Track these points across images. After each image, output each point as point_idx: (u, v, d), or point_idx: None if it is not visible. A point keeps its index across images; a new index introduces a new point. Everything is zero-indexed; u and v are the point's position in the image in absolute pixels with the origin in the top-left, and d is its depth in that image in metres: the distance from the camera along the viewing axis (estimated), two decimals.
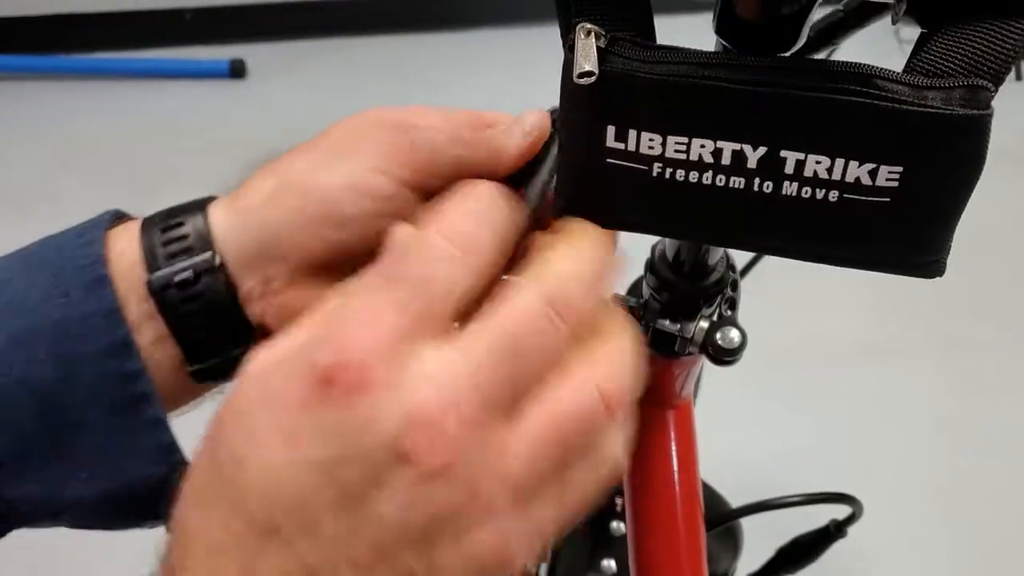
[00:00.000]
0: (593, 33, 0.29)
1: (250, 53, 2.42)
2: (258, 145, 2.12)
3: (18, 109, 2.26)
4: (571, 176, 0.32)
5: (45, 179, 1.99)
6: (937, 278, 0.35)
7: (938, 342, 1.58)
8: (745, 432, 1.34)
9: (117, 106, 2.27)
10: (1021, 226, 1.87)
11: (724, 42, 0.33)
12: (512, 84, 2.29)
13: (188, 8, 2.50)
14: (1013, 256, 1.78)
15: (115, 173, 2.00)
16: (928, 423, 1.43)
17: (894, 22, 0.32)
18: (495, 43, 2.54)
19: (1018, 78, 2.37)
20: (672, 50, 0.30)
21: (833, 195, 0.30)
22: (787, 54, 0.33)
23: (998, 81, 0.29)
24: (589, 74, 0.28)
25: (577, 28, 0.29)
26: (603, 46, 0.29)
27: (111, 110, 2.25)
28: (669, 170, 0.30)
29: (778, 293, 1.40)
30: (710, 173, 0.30)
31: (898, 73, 0.29)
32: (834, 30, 0.37)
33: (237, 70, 2.34)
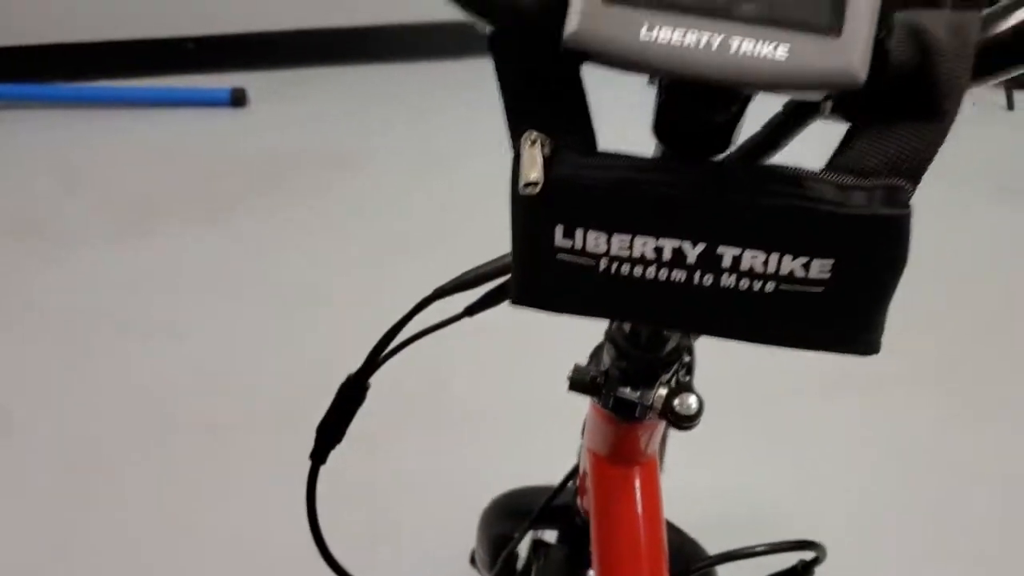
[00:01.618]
0: (538, 142, 0.31)
1: (251, 81, 2.45)
2: (259, 172, 2.16)
3: (23, 137, 2.29)
4: (524, 269, 0.34)
5: (49, 207, 2.02)
6: (873, 355, 0.37)
7: (911, 376, 1.59)
8: (719, 467, 1.36)
9: (120, 134, 2.30)
10: (1002, 256, 1.89)
11: (662, 145, 0.35)
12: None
13: (190, 37, 2.54)
14: (1005, 291, 1.80)
15: (118, 200, 2.03)
16: (898, 457, 1.44)
17: (822, 118, 0.35)
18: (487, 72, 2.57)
19: (1009, 107, 2.40)
20: (613, 156, 0.32)
21: (770, 286, 0.32)
22: (722, 156, 0.35)
23: (916, 179, 0.31)
24: (534, 184, 0.31)
25: (523, 138, 0.32)
26: (548, 154, 0.32)
27: (114, 138, 2.29)
28: (615, 265, 0.33)
29: None
30: (653, 268, 0.33)
31: (825, 173, 0.32)
32: (778, 132, 0.40)
33: (238, 98, 2.38)
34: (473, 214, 1.80)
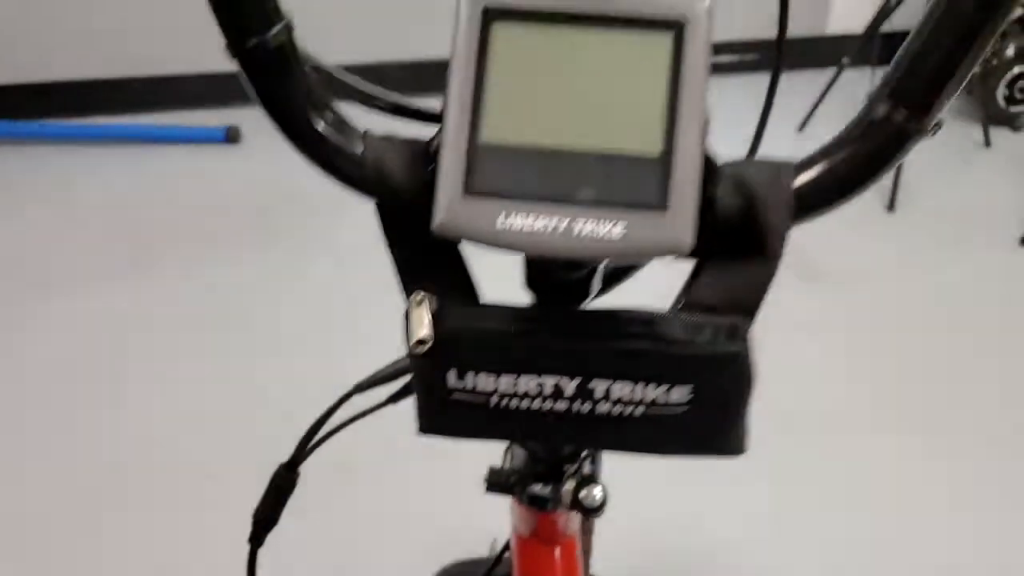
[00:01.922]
0: (425, 301, 0.36)
1: (245, 118, 2.51)
2: (253, 208, 2.21)
3: (20, 174, 2.35)
4: (425, 406, 0.40)
5: (47, 244, 2.07)
6: (741, 456, 0.42)
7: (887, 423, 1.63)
8: (676, 502, 1.40)
9: (115, 171, 2.36)
10: (971, 293, 1.93)
11: (533, 295, 0.40)
12: None
13: (185, 75, 2.60)
14: (972, 325, 1.84)
15: (115, 236, 2.08)
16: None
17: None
18: None
19: (987, 144, 2.44)
20: (493, 308, 0.38)
21: (639, 410, 0.38)
22: (587, 302, 0.40)
23: (751, 314, 0.37)
24: (422, 342, 0.36)
25: (410, 298, 0.37)
26: (435, 310, 0.37)
27: (110, 175, 2.34)
28: (504, 400, 0.38)
29: None
30: (538, 400, 0.38)
31: (674, 313, 0.37)
32: (622, 272, 0.45)
33: (232, 136, 2.44)
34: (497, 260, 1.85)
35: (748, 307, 0.38)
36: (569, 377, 0.37)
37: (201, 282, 1.91)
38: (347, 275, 1.94)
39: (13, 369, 1.69)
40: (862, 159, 0.36)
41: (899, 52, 0.35)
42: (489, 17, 0.33)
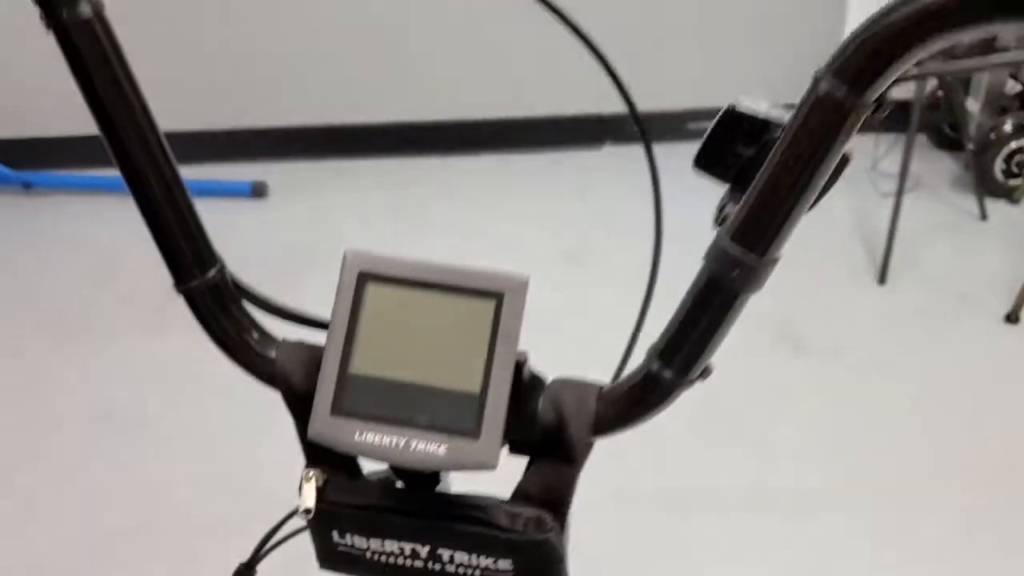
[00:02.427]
0: (313, 478, 0.49)
1: (272, 173, 2.64)
2: (275, 263, 2.32)
3: (51, 224, 2.49)
4: (320, 551, 0.52)
5: (78, 298, 2.21)
6: None
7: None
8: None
9: (141, 222, 2.48)
10: (976, 371, 2.00)
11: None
12: (508, 206, 2.49)
13: (214, 130, 2.74)
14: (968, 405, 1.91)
15: (141, 289, 2.21)
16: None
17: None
18: (497, 165, 2.75)
19: (983, 217, 2.51)
20: (367, 483, 0.50)
21: (477, 573, 0.50)
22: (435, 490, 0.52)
23: (557, 511, 0.49)
24: (308, 511, 0.48)
25: (301, 474, 0.49)
26: (320, 485, 0.49)
27: (134, 226, 2.45)
28: (376, 556, 0.51)
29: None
30: (401, 559, 0.51)
31: (503, 503, 0.50)
32: None
33: (259, 191, 2.57)
34: None
35: (559, 502, 0.50)
36: (422, 544, 0.49)
37: None
38: None
39: (43, 412, 1.82)
40: (639, 400, 0.48)
41: (670, 319, 0.46)
42: (363, 279, 0.46)
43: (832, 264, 2.28)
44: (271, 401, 0.53)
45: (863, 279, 2.24)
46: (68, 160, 2.69)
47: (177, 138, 2.34)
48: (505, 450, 0.48)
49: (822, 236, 2.30)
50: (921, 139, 2.78)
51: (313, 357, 0.49)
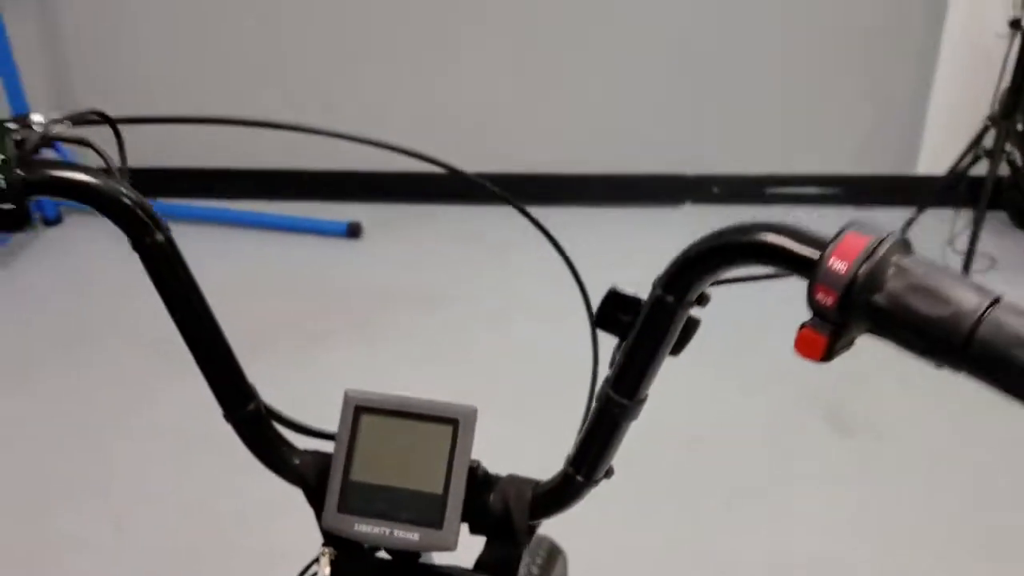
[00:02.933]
0: (326, 556, 0.66)
1: (368, 214, 2.81)
2: (367, 303, 2.46)
3: None
4: None
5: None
6: None
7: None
8: None
9: (247, 254, 2.65)
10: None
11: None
12: (585, 255, 2.57)
13: (312, 171, 2.93)
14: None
15: (237, 322, 2.35)
16: None
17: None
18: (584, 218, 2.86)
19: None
20: (367, 559, 0.67)
21: None
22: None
23: None
24: None
25: (319, 554, 0.66)
26: (333, 559, 0.66)
27: (242, 257, 2.63)
28: None
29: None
30: None
31: (467, 571, 0.66)
32: None
33: (354, 231, 2.73)
34: (548, 374, 2.05)
35: (509, 570, 0.66)
36: None
37: (309, 371, 2.16)
38: (447, 375, 2.15)
39: (134, 444, 1.98)
40: (561, 496, 0.64)
41: (578, 436, 0.63)
42: (358, 411, 0.65)
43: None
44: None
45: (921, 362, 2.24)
46: (189, 191, 2.91)
47: (280, 176, 2.57)
48: (468, 530, 0.65)
49: None
50: (1002, 216, 2.80)
51: (324, 464, 0.66)
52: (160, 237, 0.62)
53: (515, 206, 0.84)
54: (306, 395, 2.04)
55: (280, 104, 2.83)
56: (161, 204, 2.77)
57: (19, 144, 0.58)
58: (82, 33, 2.77)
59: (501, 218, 2.89)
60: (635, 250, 2.67)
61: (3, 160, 0.55)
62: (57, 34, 2.76)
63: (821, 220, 0.50)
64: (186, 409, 1.68)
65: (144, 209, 0.61)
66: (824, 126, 2.88)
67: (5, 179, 0.55)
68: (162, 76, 2.83)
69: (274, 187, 2.94)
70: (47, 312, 2.46)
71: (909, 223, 2.52)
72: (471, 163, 2.99)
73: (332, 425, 0.67)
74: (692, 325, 0.56)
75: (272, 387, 2.21)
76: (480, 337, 2.33)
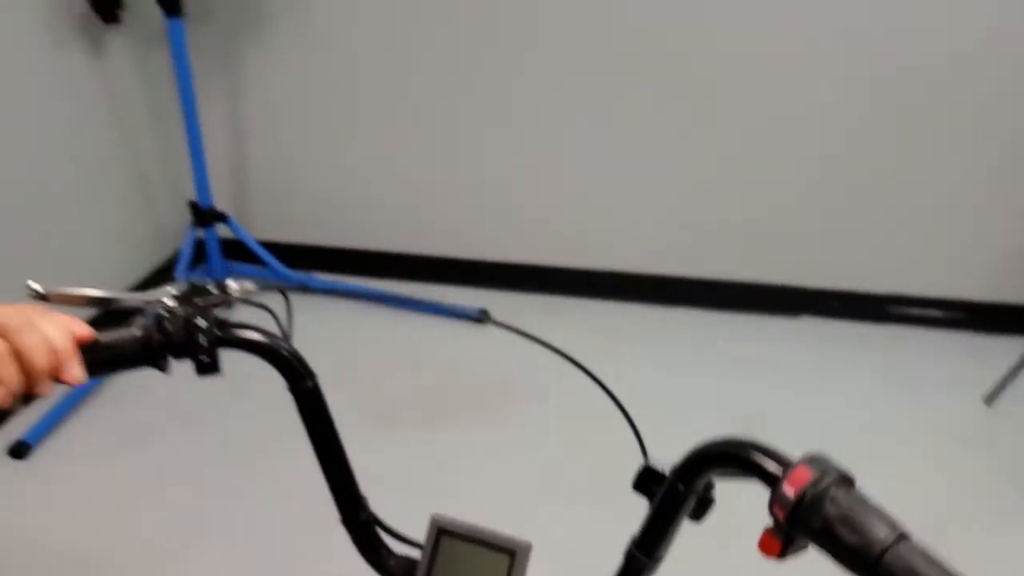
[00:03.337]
0: None
1: (496, 302, 3.01)
2: (491, 387, 2.63)
3: (320, 319, 2.94)
4: None
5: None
6: None
7: None
8: None
9: (379, 329, 2.89)
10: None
11: None
12: (696, 361, 2.66)
13: (444, 257, 3.18)
14: None
15: (368, 393, 2.59)
16: None
17: None
18: (703, 321, 2.96)
19: (988, 403, 2.43)
20: None
21: None
22: None
23: None
24: None
25: None
26: None
27: (373, 331, 2.87)
28: None
29: None
30: None
31: None
32: None
33: (483, 317, 2.94)
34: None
35: None
36: None
37: (430, 448, 2.35)
38: (557, 462, 2.29)
39: (261, 516, 2.20)
40: None
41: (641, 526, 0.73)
42: (440, 532, 0.79)
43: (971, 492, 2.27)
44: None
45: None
46: (336, 267, 3.21)
47: (416, 259, 2.82)
48: None
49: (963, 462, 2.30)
50: None
51: (412, 569, 0.82)
52: (310, 383, 0.80)
53: (579, 367, 0.99)
54: (424, 472, 2.27)
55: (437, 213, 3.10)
56: (310, 277, 3.08)
57: (215, 305, 0.79)
58: (266, 135, 3.14)
59: (628, 315, 3.07)
60: (751, 358, 2.76)
61: (207, 325, 0.75)
62: (241, 131, 3.14)
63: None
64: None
65: (300, 361, 0.80)
66: (953, 248, 2.87)
67: (207, 339, 0.75)
68: (329, 192, 3.16)
69: (410, 269, 3.20)
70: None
71: None
72: (601, 261, 3.18)
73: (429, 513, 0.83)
74: (709, 502, 0.71)
75: (395, 460, 2.41)
76: (590, 428, 2.45)
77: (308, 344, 2.67)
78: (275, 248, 3.14)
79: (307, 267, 3.17)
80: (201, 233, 3.01)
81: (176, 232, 3.17)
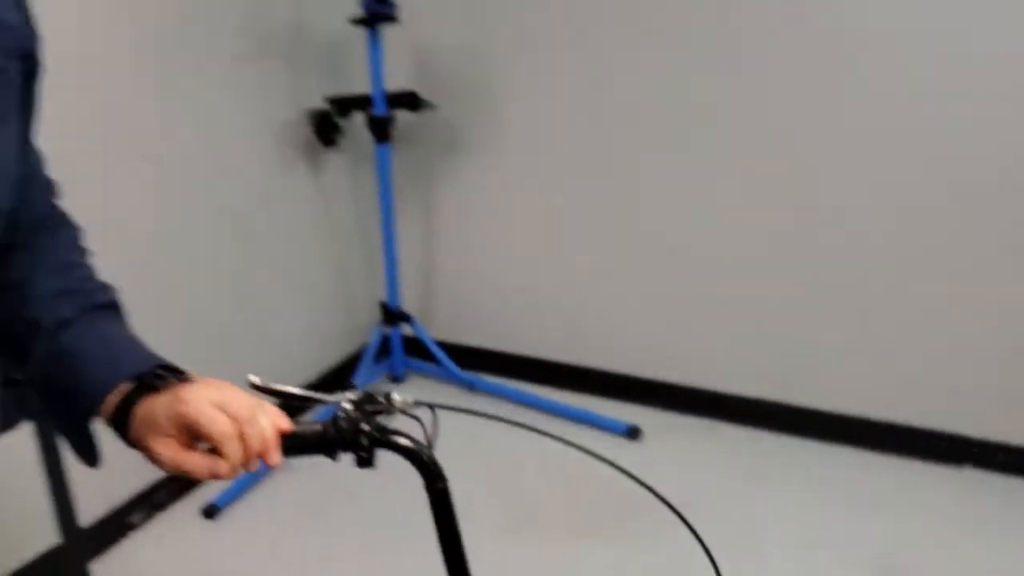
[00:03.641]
0: None
1: (648, 419, 3.11)
2: (636, 504, 2.69)
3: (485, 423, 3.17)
4: None
5: (468, 495, 2.81)
6: None
7: None
8: None
9: (529, 435, 3.05)
10: None
11: None
12: (846, 504, 2.64)
13: (599, 370, 3.33)
14: None
15: (510, 496, 2.72)
16: None
17: None
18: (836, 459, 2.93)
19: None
20: None
21: None
22: None
23: None
24: None
25: None
26: None
27: (522, 436, 2.98)
28: None
29: None
30: None
31: None
32: None
33: (633, 433, 3.05)
34: None
35: None
36: None
37: (568, 562, 2.44)
38: None
39: None
40: None
41: None
42: None
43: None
44: None
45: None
46: (502, 371, 3.46)
47: (570, 369, 3.06)
48: None
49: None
50: None
51: None
52: (442, 485, 0.99)
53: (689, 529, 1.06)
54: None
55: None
56: (478, 378, 3.33)
57: (380, 412, 1.00)
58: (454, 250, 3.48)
59: (778, 446, 3.06)
60: (911, 506, 2.70)
61: (370, 429, 0.97)
62: (431, 243, 3.49)
63: None
64: None
65: (436, 465, 0.99)
66: None
67: (368, 440, 0.96)
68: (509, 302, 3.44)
69: (562, 378, 3.38)
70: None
71: None
72: (774, 391, 3.23)
73: None
74: None
75: (535, 564, 2.54)
76: (727, 557, 2.49)
77: (462, 441, 2.89)
78: (450, 348, 3.43)
79: (476, 368, 3.43)
80: (388, 330, 3.36)
81: (367, 327, 3.54)
